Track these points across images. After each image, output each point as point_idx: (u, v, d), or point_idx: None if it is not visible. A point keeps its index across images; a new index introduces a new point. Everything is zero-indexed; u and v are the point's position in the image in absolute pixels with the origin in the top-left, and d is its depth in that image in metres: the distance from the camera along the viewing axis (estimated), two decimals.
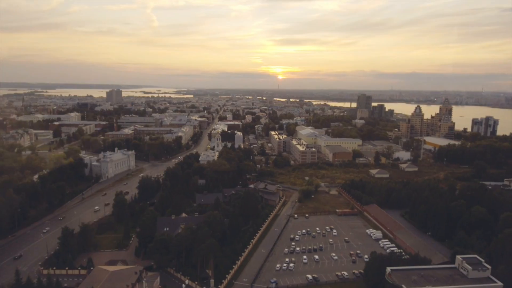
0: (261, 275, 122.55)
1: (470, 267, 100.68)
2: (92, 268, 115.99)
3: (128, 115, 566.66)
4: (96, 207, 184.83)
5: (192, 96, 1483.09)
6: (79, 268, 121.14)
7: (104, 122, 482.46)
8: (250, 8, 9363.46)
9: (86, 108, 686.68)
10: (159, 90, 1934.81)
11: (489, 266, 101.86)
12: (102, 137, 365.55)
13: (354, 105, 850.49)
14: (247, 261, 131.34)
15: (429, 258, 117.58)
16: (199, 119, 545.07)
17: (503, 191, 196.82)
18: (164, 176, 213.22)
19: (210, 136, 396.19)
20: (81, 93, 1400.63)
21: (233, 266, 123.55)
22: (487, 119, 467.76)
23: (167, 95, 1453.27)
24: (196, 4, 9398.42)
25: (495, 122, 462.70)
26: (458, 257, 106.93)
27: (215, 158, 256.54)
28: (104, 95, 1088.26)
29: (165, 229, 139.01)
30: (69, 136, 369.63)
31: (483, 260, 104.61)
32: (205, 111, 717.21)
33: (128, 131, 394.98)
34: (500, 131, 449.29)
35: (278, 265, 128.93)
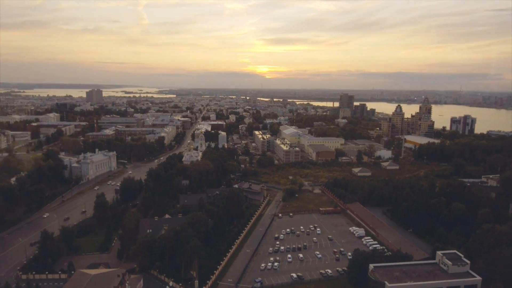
0: (246, 275, 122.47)
1: (450, 263, 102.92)
2: (73, 272, 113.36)
3: (109, 116, 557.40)
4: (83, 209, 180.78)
5: (174, 96, 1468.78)
6: (60, 272, 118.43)
7: (84, 123, 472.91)
8: (245, 6, 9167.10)
9: (65, 108, 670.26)
10: (141, 90, 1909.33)
11: (468, 261, 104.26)
12: (82, 138, 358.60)
13: (336, 104, 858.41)
14: (231, 261, 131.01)
15: (410, 254, 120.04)
16: (182, 119, 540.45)
17: (481, 188, 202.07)
18: (147, 177, 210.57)
19: (193, 136, 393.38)
20: (60, 93, 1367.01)
21: (218, 266, 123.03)
22: (465, 117, 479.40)
23: (149, 95, 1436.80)
24: (190, 1, 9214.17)
25: (473, 121, 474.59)
26: (439, 252, 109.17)
27: (199, 158, 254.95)
28: (84, 95, 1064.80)
29: (148, 230, 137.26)
30: (48, 137, 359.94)
31: (462, 256, 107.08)
32: (188, 111, 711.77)
33: (109, 131, 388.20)
34: (478, 129, 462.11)
35: (263, 265, 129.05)
